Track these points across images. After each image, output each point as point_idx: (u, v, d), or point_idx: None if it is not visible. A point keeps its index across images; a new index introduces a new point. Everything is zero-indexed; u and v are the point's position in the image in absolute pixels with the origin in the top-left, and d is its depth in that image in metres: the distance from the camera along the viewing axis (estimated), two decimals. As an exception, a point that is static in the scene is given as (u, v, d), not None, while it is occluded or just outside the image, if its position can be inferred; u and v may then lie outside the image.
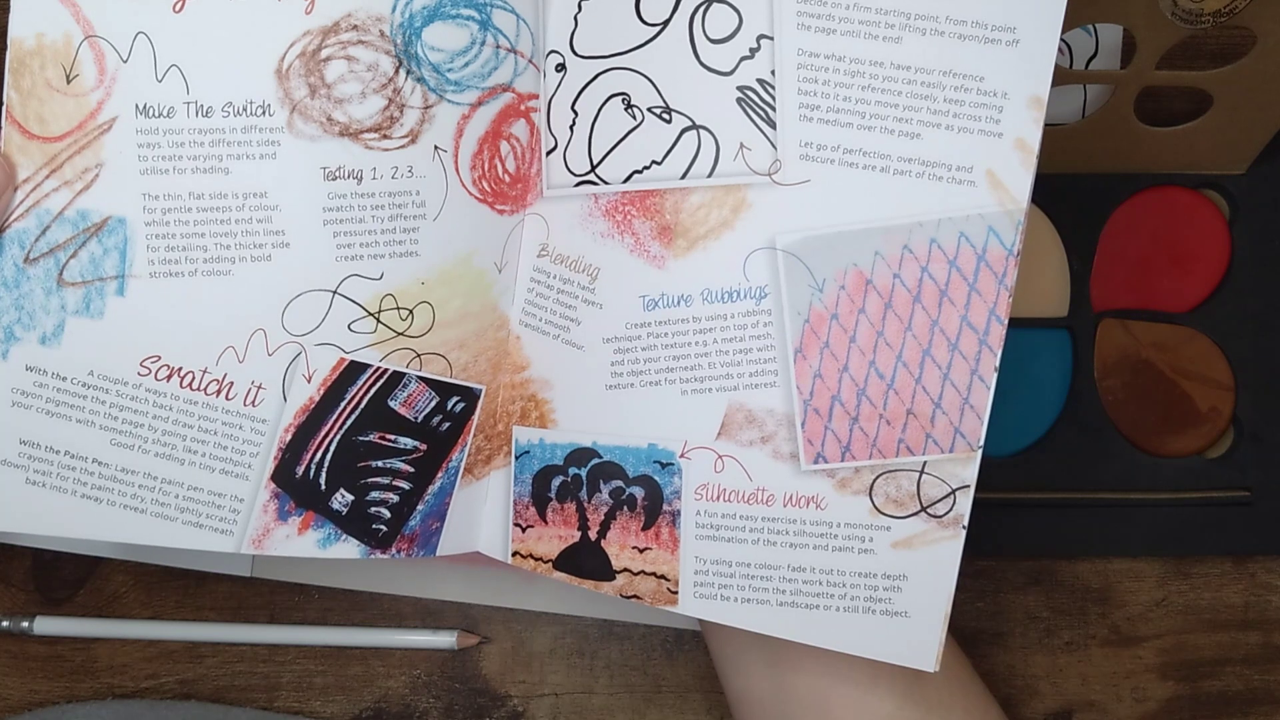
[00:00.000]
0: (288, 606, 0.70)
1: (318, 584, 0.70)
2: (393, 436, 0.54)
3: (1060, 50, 0.74)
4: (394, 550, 0.55)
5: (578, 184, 0.54)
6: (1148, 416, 0.70)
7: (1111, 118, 0.66)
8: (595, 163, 0.54)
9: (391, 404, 0.54)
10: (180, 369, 0.52)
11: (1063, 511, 0.69)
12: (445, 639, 0.69)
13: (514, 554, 0.56)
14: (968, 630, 0.70)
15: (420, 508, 0.55)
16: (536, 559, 0.56)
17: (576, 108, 0.54)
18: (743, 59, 0.51)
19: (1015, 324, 0.69)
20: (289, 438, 0.53)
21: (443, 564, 0.70)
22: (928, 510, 0.50)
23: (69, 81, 0.49)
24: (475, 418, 0.56)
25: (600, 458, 0.54)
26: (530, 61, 0.54)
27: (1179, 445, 0.70)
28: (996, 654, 0.70)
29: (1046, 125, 0.67)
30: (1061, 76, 0.65)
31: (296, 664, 0.70)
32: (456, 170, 0.53)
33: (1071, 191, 0.72)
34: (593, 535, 0.55)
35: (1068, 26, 0.57)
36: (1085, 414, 0.70)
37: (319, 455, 0.54)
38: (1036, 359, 0.71)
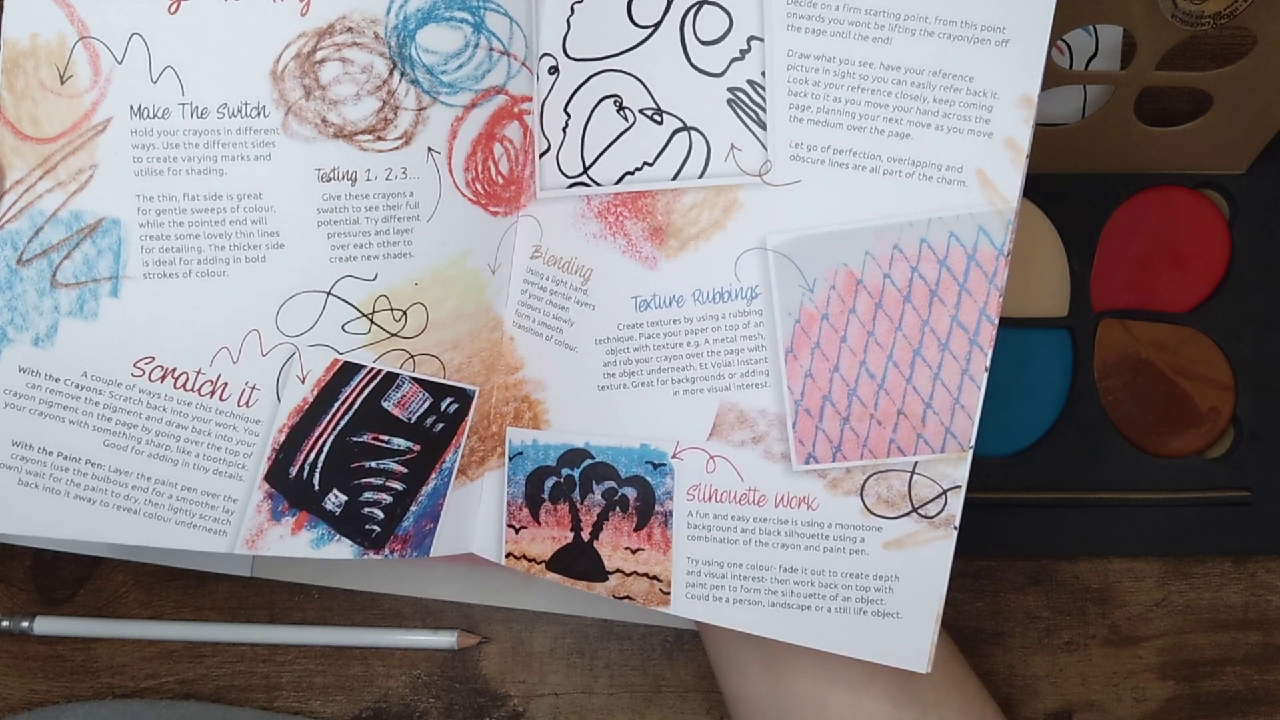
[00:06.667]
0: (288, 606, 0.71)
1: (318, 584, 0.70)
2: (386, 437, 0.55)
3: (1060, 50, 0.74)
4: (387, 551, 0.55)
5: (570, 185, 0.54)
6: (1148, 416, 0.70)
7: (1111, 118, 0.66)
8: (588, 164, 0.54)
9: (385, 405, 0.54)
10: (174, 370, 0.52)
11: (1062, 511, 0.69)
12: (445, 639, 0.69)
13: (507, 555, 0.56)
14: (968, 630, 0.70)
15: (414, 509, 0.56)
16: (530, 560, 0.56)
17: (569, 110, 0.54)
18: (733, 60, 0.51)
19: (1015, 324, 0.69)
20: (283, 438, 0.53)
21: (442, 564, 0.70)
22: (919, 511, 0.50)
23: (63, 82, 0.49)
24: (469, 419, 0.56)
25: (593, 458, 0.54)
26: (523, 64, 0.54)
27: (1179, 445, 0.70)
28: (996, 654, 0.70)
29: (1047, 125, 0.67)
30: (1061, 76, 0.65)
31: (296, 664, 0.70)
32: (450, 172, 0.54)
33: (1071, 191, 0.71)
34: (585, 536, 0.55)
35: (1068, 27, 0.57)
36: (1085, 414, 0.70)
37: (312, 456, 0.54)
38: (1036, 359, 0.70)
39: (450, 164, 0.54)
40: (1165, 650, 0.70)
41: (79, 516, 0.52)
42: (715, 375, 0.52)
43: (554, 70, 0.54)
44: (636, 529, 0.54)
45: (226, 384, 0.52)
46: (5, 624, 0.69)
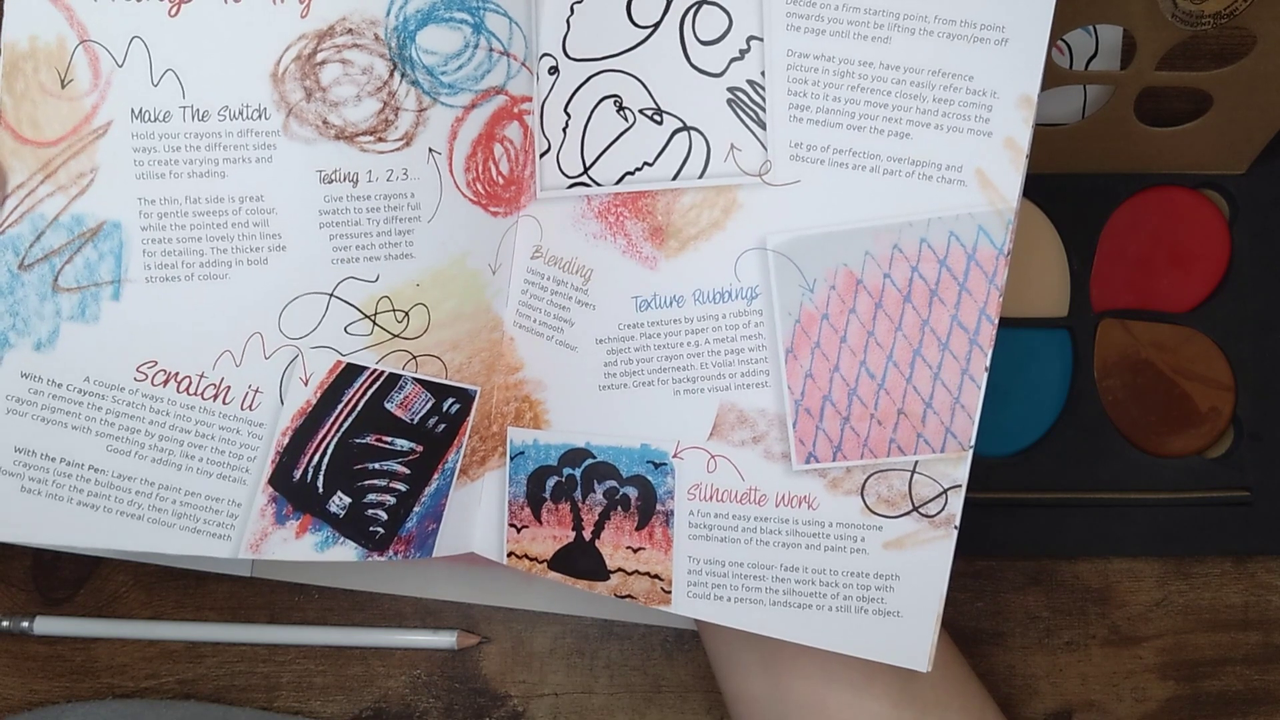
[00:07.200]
0: (288, 606, 0.71)
1: (318, 584, 0.70)
2: (389, 439, 0.55)
3: (1060, 50, 0.74)
4: (391, 552, 0.55)
5: (571, 186, 0.54)
6: (1148, 416, 0.70)
7: (1111, 118, 0.66)
8: (588, 164, 0.54)
9: (388, 406, 0.54)
10: (177, 373, 0.52)
11: (1062, 511, 0.69)
12: (445, 639, 0.69)
13: (509, 554, 0.57)
14: (968, 630, 0.70)
15: (416, 509, 0.56)
16: (531, 559, 0.56)
17: (569, 110, 0.54)
18: (733, 60, 0.51)
19: (1015, 324, 0.69)
20: (286, 441, 0.53)
21: (443, 564, 0.70)
22: (919, 510, 0.50)
23: (63, 85, 0.49)
24: (470, 419, 0.56)
25: (594, 458, 0.54)
26: (523, 64, 0.55)
27: (1179, 445, 0.70)
28: (996, 654, 0.70)
29: (1047, 125, 0.67)
30: (1061, 76, 0.65)
31: (296, 664, 0.70)
32: (450, 172, 0.54)
33: (1071, 191, 0.72)
34: (587, 535, 0.55)
35: (1068, 27, 0.57)
36: (1085, 414, 0.70)
37: (316, 458, 0.54)
38: (1036, 359, 0.70)
39: (451, 164, 0.54)
40: (1165, 650, 0.70)
41: (82, 523, 0.52)
42: (715, 375, 0.52)
43: (554, 70, 0.54)
44: (638, 528, 0.54)
45: (229, 387, 0.52)
46: (5, 624, 0.69)
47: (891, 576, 0.51)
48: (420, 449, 0.55)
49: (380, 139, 0.52)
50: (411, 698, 0.70)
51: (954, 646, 0.60)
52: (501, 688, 0.70)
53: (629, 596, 0.54)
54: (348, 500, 0.54)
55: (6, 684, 0.69)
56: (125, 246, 0.50)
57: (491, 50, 0.54)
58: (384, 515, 0.55)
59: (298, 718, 0.69)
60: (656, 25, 0.52)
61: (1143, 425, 0.70)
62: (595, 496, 0.55)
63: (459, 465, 0.56)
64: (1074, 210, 0.72)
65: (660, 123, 0.52)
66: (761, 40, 0.50)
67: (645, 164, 0.52)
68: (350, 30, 0.51)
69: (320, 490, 0.54)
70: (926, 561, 0.51)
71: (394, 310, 0.54)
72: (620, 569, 0.54)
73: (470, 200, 0.54)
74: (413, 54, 0.52)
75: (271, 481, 0.53)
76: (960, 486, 0.50)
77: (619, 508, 0.54)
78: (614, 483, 0.54)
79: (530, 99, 0.55)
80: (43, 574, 0.71)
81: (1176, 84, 0.63)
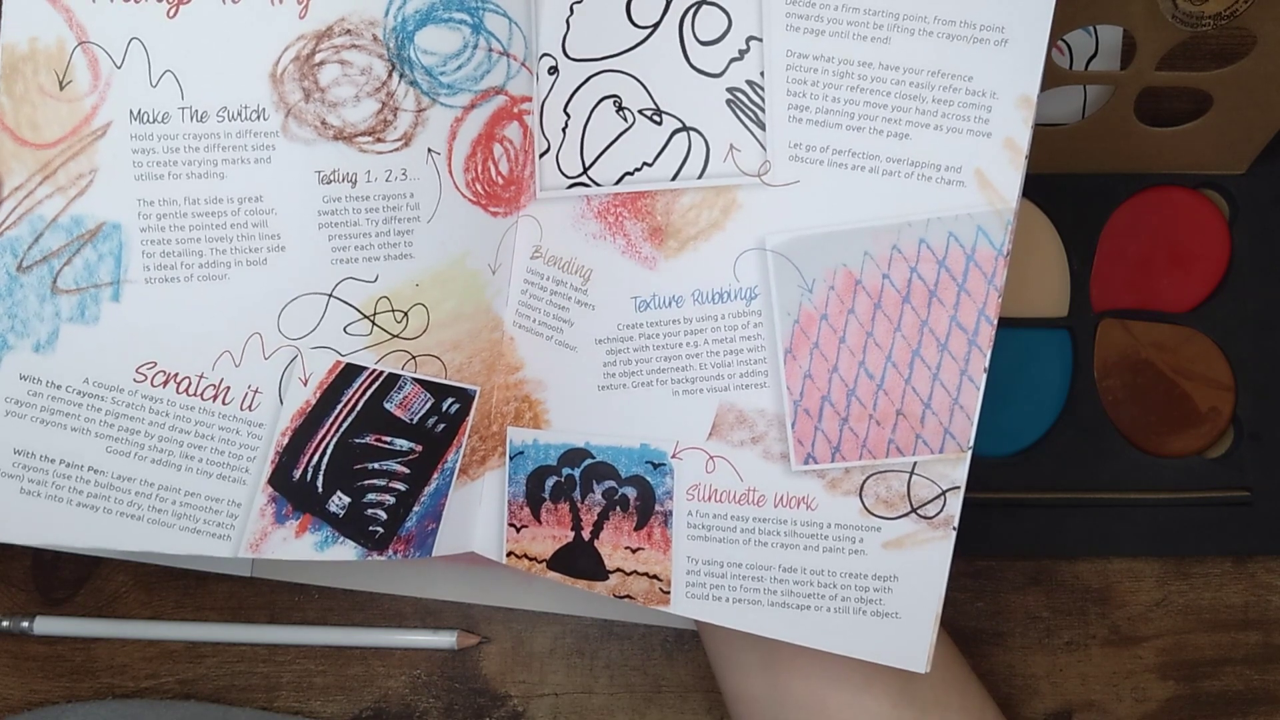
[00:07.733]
0: (288, 606, 0.71)
1: (318, 584, 0.71)
2: (388, 438, 0.55)
3: (1060, 50, 0.74)
4: (390, 551, 0.55)
5: (570, 186, 0.54)
6: (1148, 416, 0.70)
7: (1111, 118, 0.66)
8: (587, 165, 0.54)
9: (387, 406, 0.54)
10: (176, 374, 0.52)
11: (1062, 511, 0.69)
12: (445, 639, 0.69)
13: (508, 554, 0.57)
14: (968, 630, 0.70)
15: (416, 509, 0.56)
16: (531, 559, 0.56)
17: (569, 110, 0.54)
18: (732, 61, 0.51)
19: (1015, 324, 0.69)
20: (286, 441, 0.53)
21: (442, 564, 0.70)
22: (918, 511, 0.50)
23: (62, 87, 0.49)
24: (470, 419, 0.56)
25: (593, 458, 0.54)
26: (523, 64, 0.55)
27: (1179, 445, 0.70)
28: (996, 654, 0.70)
29: (1047, 125, 0.67)
30: (1061, 77, 0.65)
31: (296, 664, 0.70)
32: (450, 173, 0.54)
33: (1071, 191, 0.72)
34: (586, 535, 0.55)
35: (1068, 27, 0.57)
36: (1085, 414, 0.70)
37: (316, 458, 0.54)
38: (1036, 359, 0.70)
39: (450, 165, 0.54)
40: (1165, 650, 0.70)
41: (82, 524, 0.52)
42: (714, 375, 0.52)
43: (553, 70, 0.54)
44: (637, 528, 0.54)
45: (229, 388, 0.52)
46: (5, 624, 0.69)
47: (890, 578, 0.51)
48: (420, 449, 0.55)
49: (379, 139, 0.52)
50: (411, 698, 0.70)
51: (954, 646, 0.60)
52: (501, 688, 0.70)
53: (628, 597, 0.54)
54: (347, 500, 0.54)
55: (6, 684, 0.69)
56: (124, 247, 0.50)
57: (491, 50, 0.54)
58: (383, 515, 0.55)
59: (298, 718, 0.69)
60: (656, 25, 0.52)
61: (1143, 425, 0.70)
62: (594, 496, 0.55)
63: (458, 465, 0.56)
64: (1074, 210, 0.72)
65: (660, 123, 0.52)
66: (761, 41, 0.50)
67: (645, 164, 0.52)
68: (349, 31, 0.51)
69: (320, 490, 0.54)
70: (925, 562, 0.51)
71: (393, 310, 0.54)
72: (619, 569, 0.54)
73: (470, 200, 0.54)
74: (411, 54, 0.52)
75: (271, 481, 0.53)
76: (959, 488, 0.50)
77: (618, 508, 0.54)
78: (613, 483, 0.54)
79: (530, 99, 0.55)
80: (43, 574, 0.71)
81: (1176, 84, 0.63)
